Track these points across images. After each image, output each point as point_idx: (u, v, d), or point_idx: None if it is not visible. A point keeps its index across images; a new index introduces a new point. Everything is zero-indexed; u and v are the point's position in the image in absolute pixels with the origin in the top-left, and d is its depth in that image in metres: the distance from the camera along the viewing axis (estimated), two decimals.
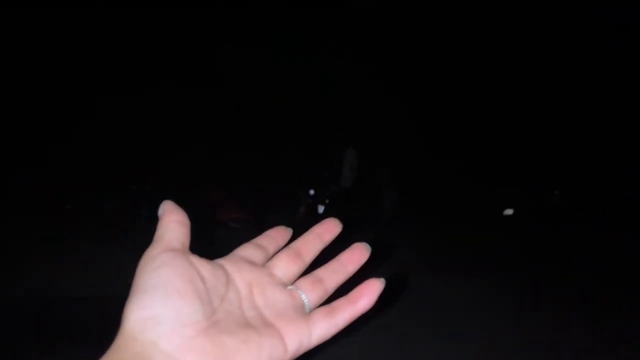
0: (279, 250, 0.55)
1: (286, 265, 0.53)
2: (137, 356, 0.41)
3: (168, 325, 0.42)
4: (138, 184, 7.23)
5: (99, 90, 9.24)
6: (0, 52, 8.45)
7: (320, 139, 9.78)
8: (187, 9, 10.06)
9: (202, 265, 0.47)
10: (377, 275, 0.50)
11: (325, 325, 0.48)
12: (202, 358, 0.42)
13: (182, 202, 0.53)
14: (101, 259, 5.23)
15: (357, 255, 0.53)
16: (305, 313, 0.49)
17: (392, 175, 8.09)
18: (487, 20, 10.50)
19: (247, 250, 0.53)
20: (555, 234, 7.62)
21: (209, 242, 5.88)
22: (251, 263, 0.51)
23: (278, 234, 0.56)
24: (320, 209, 7.19)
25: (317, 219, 5.85)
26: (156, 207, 0.51)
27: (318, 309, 0.50)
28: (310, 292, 0.51)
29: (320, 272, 0.53)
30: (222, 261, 0.50)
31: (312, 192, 7.21)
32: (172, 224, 0.49)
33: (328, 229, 0.56)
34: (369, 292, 0.49)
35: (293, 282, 0.52)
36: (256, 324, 0.46)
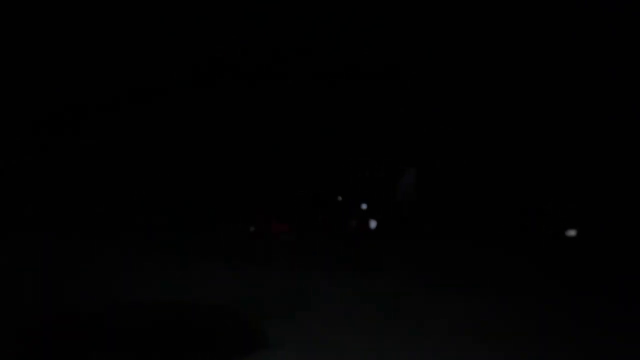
0: None
1: None
2: None
3: None
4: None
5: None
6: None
7: (371, 152, 9.63)
8: None
9: None
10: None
11: None
12: None
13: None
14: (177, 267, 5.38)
15: None
16: None
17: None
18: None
19: None
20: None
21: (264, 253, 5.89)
22: None
23: None
24: (373, 223, 7.05)
25: (369, 233, 5.72)
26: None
27: None
28: None
29: None
30: None
31: (364, 206, 7.09)
32: None
33: None
34: None
35: None
36: None
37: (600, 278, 5.91)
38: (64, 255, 5.60)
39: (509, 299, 5.05)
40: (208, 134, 9.45)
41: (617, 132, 9.57)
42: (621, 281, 5.74)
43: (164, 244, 6.16)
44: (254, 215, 6.73)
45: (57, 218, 6.93)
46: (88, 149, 8.72)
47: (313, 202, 7.74)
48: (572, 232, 8.20)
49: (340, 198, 7.55)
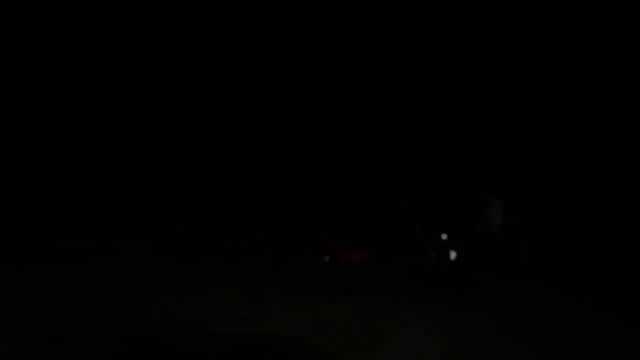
0: None
1: None
2: None
3: None
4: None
5: None
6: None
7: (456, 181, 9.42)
8: None
9: None
10: None
11: None
12: None
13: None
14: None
15: None
16: None
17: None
18: None
19: None
20: None
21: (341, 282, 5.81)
22: None
23: None
24: (453, 255, 6.88)
25: (449, 265, 5.56)
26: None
27: None
28: None
29: None
30: None
31: (445, 236, 6.94)
32: None
33: None
34: None
35: None
36: None
37: None
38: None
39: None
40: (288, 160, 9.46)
41: None
42: None
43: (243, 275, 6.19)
44: (329, 243, 6.66)
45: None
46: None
47: (390, 230, 7.66)
48: None
49: (418, 228, 7.42)
